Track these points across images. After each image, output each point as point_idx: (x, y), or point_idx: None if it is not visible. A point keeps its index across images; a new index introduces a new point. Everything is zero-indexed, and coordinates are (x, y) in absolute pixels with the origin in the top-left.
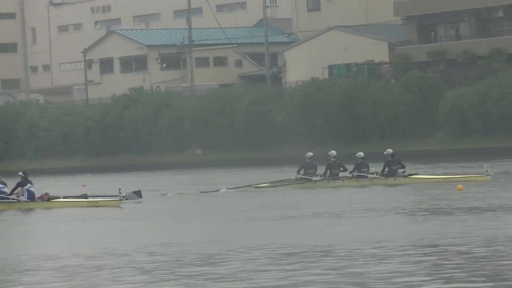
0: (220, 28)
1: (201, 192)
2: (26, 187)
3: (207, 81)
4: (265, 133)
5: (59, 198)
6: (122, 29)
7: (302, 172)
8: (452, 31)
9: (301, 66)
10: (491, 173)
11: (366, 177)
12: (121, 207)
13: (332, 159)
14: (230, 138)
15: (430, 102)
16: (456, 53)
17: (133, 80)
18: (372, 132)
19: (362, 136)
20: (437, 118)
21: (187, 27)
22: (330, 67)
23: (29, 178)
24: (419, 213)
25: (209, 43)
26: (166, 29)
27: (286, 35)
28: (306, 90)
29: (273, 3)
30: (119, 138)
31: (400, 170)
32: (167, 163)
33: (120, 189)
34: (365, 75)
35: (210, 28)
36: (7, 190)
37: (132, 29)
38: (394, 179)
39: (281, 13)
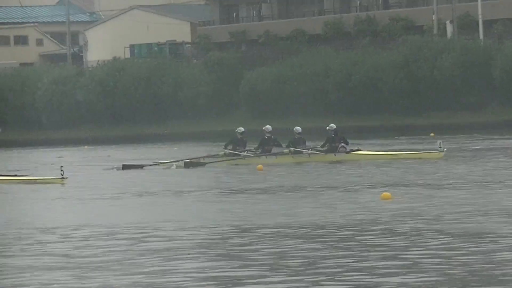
0: (21, 6)
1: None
2: None
3: (7, 60)
4: (64, 112)
5: None
6: None
7: (230, 147)
8: (254, 12)
9: (103, 46)
10: (445, 149)
11: (301, 152)
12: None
13: (267, 135)
14: (33, 118)
15: (230, 82)
16: (257, 34)
17: None
18: (173, 112)
19: (164, 116)
20: (237, 98)
21: None
22: (132, 47)
23: None
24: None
25: (9, 21)
26: None
27: (88, 14)
28: (107, 69)
29: None
30: None
31: (339, 145)
32: None
33: (62, 166)
34: (167, 55)
35: (10, 7)
36: None
37: None
38: (335, 155)
39: None
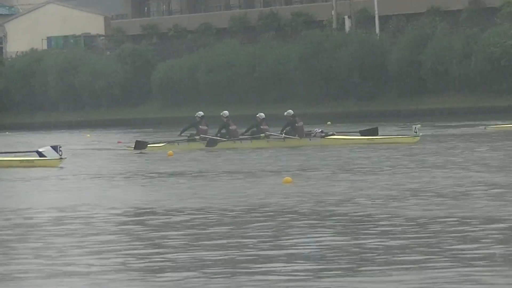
0: None
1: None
2: None
3: None
4: None
5: None
6: None
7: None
8: (164, 7)
9: (21, 38)
10: (420, 134)
11: (279, 137)
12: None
13: (225, 119)
14: None
15: (143, 73)
16: (167, 27)
17: None
18: (89, 100)
19: (80, 104)
20: (150, 88)
21: None
22: (49, 39)
23: None
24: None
25: None
26: None
27: (7, 7)
28: (26, 60)
29: None
30: None
31: (318, 130)
32: None
33: (60, 146)
34: (82, 46)
35: None
36: None
37: None
38: (310, 140)
39: None
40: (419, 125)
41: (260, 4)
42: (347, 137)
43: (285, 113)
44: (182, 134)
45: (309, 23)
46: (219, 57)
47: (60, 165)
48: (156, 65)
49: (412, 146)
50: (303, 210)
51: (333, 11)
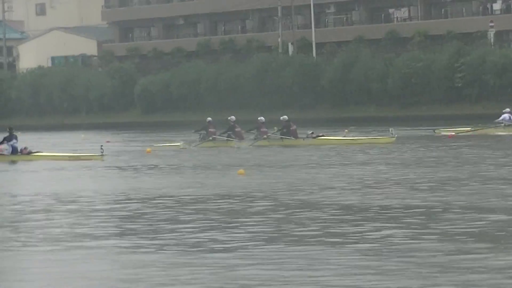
0: None
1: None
2: (12, 142)
3: None
4: (1, 107)
5: (40, 152)
6: None
7: (204, 132)
8: (145, 33)
9: (31, 57)
10: (395, 135)
11: (280, 138)
12: (103, 161)
13: (232, 123)
14: None
15: (127, 86)
16: (147, 50)
17: None
18: (84, 107)
19: (78, 110)
20: (133, 98)
21: None
22: (53, 58)
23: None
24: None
25: None
26: None
27: (20, 32)
28: (34, 75)
29: (9, 8)
30: None
31: (310, 132)
32: None
33: (102, 145)
34: (80, 64)
35: None
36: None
37: None
38: (304, 140)
39: (16, 16)
40: (392, 129)
41: (222, 32)
42: (334, 138)
43: (281, 118)
44: (195, 132)
45: (261, 47)
46: (188, 74)
47: (102, 160)
48: (138, 80)
49: (388, 146)
50: (244, 195)
51: (279, 39)
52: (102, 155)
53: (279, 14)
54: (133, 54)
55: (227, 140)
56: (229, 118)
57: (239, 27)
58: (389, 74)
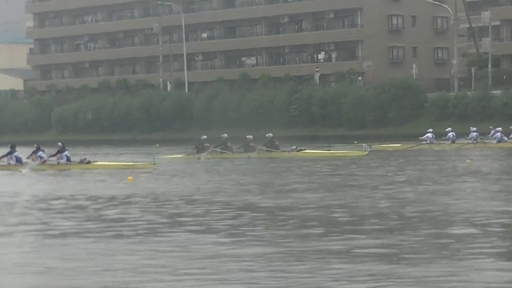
0: None
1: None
2: (65, 153)
3: None
4: None
5: (96, 161)
6: None
7: (201, 148)
8: (60, 74)
9: None
10: (369, 149)
11: (271, 151)
12: (155, 169)
13: (224, 139)
14: None
15: (46, 113)
16: (62, 86)
17: None
18: (11, 130)
19: (4, 131)
20: (51, 122)
21: None
22: None
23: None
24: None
25: None
26: None
27: None
28: None
29: None
30: None
31: (294, 147)
32: None
33: (154, 156)
34: (9, 96)
35: None
36: (45, 156)
37: None
38: (289, 153)
39: None
40: (365, 144)
41: (118, 73)
42: (315, 151)
43: (267, 135)
44: (194, 148)
45: (146, 85)
46: (91, 105)
47: (154, 169)
48: (54, 108)
49: (361, 159)
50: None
51: (160, 79)
52: (154, 163)
53: (160, 60)
54: (50, 89)
55: (221, 152)
56: (222, 135)
57: (130, 69)
58: (242, 106)
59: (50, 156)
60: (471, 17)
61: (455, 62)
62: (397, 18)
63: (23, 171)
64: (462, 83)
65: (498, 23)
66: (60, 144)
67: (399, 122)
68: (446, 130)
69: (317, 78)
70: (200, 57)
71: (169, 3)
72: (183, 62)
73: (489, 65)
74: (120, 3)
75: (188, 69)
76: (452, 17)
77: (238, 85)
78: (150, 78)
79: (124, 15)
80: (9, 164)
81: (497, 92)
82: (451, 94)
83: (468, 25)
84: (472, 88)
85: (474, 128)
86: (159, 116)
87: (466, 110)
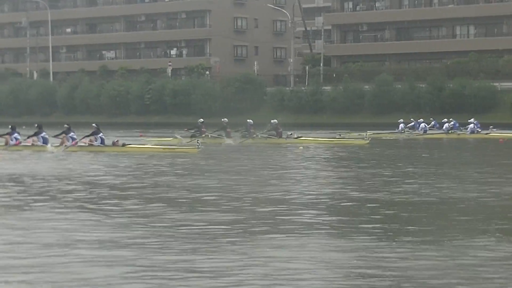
0: None
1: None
2: (100, 135)
3: None
4: None
5: (130, 145)
6: None
7: (195, 131)
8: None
9: None
10: (369, 139)
11: (270, 137)
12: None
13: (225, 124)
14: None
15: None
16: None
17: None
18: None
19: None
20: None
21: None
22: None
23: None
24: None
25: None
26: None
27: None
28: None
29: None
30: None
31: (289, 133)
32: None
33: (198, 140)
34: None
35: None
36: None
37: None
38: (286, 139)
39: None
40: (366, 133)
41: None
42: (313, 138)
43: (271, 121)
44: (188, 130)
45: (15, 74)
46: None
47: (197, 153)
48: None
49: (362, 147)
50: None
51: (27, 68)
52: (198, 147)
53: (28, 51)
54: None
55: (211, 136)
56: (222, 120)
57: (0, 59)
58: (102, 94)
59: (84, 137)
60: (306, 21)
61: (291, 60)
62: (242, 20)
63: (55, 150)
64: (297, 79)
65: (329, 27)
66: (94, 125)
67: (241, 112)
68: (399, 121)
69: (170, 71)
70: (64, 50)
71: (36, 0)
72: (49, 54)
73: (321, 64)
74: None
75: (53, 60)
76: (290, 21)
77: (98, 76)
78: (18, 67)
79: None
80: (35, 144)
81: (327, 88)
82: (287, 88)
83: (303, 28)
84: (306, 84)
85: (401, 120)
86: (26, 102)
87: (300, 103)
